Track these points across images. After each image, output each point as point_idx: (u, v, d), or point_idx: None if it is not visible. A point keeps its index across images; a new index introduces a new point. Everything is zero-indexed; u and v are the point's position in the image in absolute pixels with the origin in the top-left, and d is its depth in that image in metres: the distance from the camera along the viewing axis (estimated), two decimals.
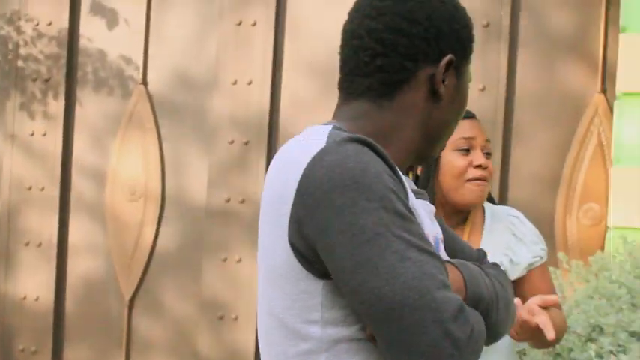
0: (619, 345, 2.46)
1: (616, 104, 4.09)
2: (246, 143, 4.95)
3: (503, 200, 4.55)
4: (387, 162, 1.34)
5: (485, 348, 2.24)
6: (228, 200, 4.96)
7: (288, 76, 4.99)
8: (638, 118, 3.99)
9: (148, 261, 5.15)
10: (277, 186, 1.36)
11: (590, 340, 2.54)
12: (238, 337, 4.95)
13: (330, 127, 1.40)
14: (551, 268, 3.21)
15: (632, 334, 2.51)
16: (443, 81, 1.45)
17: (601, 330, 2.57)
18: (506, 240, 2.35)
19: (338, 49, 4.63)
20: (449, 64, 1.44)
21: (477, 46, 4.55)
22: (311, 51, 4.95)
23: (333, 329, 1.33)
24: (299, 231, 1.33)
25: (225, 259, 4.96)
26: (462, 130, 2.34)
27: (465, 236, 2.34)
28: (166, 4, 5.13)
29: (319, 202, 1.30)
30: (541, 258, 2.36)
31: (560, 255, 3.29)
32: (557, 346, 2.55)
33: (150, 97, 5.15)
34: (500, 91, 4.56)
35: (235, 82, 4.96)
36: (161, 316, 5.13)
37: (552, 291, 2.38)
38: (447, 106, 1.49)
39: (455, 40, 1.46)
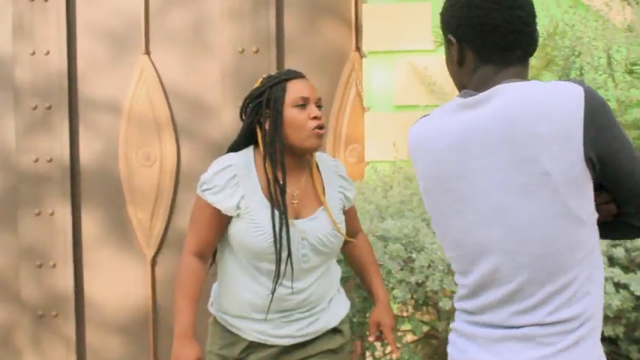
0: None
1: (364, 61, 4.77)
2: (49, 108, 5.35)
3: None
4: None
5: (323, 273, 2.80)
6: (36, 160, 5.35)
7: (83, 42, 5.37)
8: (382, 72, 4.70)
9: None
10: (547, 120, 1.75)
11: None
12: (57, 282, 5.37)
13: (525, 82, 1.90)
14: None
15: (379, 237, 3.31)
16: None
17: None
18: (336, 180, 2.83)
19: (129, 13, 5.16)
20: None
21: (249, 13, 5.19)
22: (102, 16, 5.35)
23: (594, 216, 1.88)
24: (593, 144, 1.78)
25: (39, 214, 5.35)
26: (298, 89, 2.68)
27: (316, 183, 2.73)
28: None
29: (605, 122, 1.81)
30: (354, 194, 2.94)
31: None
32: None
33: None
34: (272, 51, 5.18)
35: (34, 53, 5.33)
36: None
37: (356, 212, 2.97)
38: None
39: None
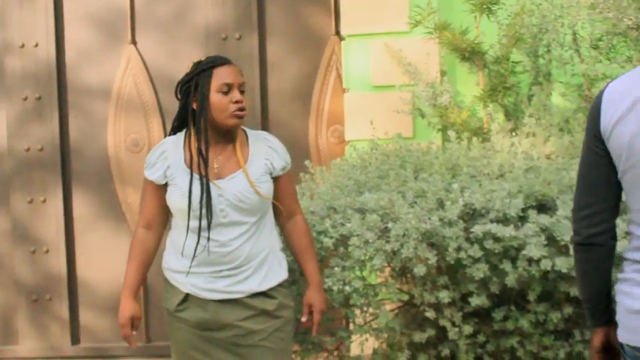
0: (347, 219, 3.43)
1: (343, 44, 4.94)
2: (39, 98, 5.49)
3: (265, 122, 5.36)
4: None
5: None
6: (28, 149, 5.49)
7: (70, 33, 5.51)
8: (360, 54, 4.87)
9: None
10: None
11: (328, 217, 3.50)
12: (51, 267, 5.52)
13: None
14: (301, 173, 4.14)
15: (357, 210, 3.49)
16: None
17: (335, 210, 3.55)
18: (266, 150, 3.11)
19: (115, 3, 5.30)
20: None
21: (231, 1, 5.33)
22: (89, 7, 5.49)
23: None
24: None
25: (31, 201, 5.50)
26: (223, 76, 3.01)
27: (238, 151, 3.05)
28: None
29: None
30: (288, 164, 3.16)
31: (307, 162, 4.19)
32: None
33: None
34: (254, 37, 5.31)
35: (23, 46, 5.48)
36: None
37: (295, 191, 3.23)
38: None
39: None
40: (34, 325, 5.58)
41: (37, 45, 5.49)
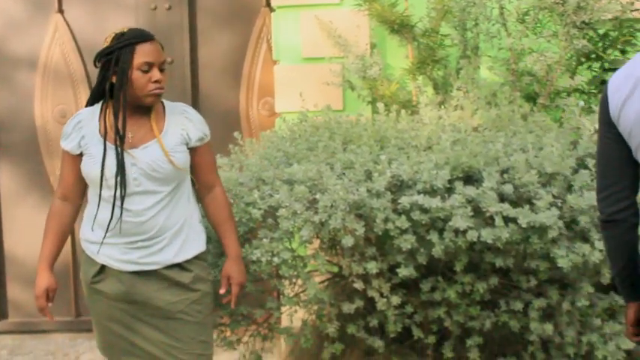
0: (275, 190, 3.43)
1: (273, 15, 4.92)
2: None
3: (195, 93, 5.32)
4: None
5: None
6: None
7: None
8: (290, 26, 4.85)
9: None
10: None
11: (256, 188, 3.50)
12: None
13: None
14: (230, 145, 4.12)
15: (285, 181, 3.49)
16: None
17: (263, 181, 3.55)
18: (182, 121, 3.12)
19: None
20: None
21: None
22: None
23: None
24: None
25: None
26: (145, 54, 2.97)
27: (153, 122, 3.05)
28: None
29: None
30: (206, 136, 3.16)
31: (236, 134, 4.17)
32: (231, 196, 3.49)
33: None
34: (184, 8, 5.28)
35: None
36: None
37: (214, 163, 3.23)
38: None
39: None
40: None
41: None
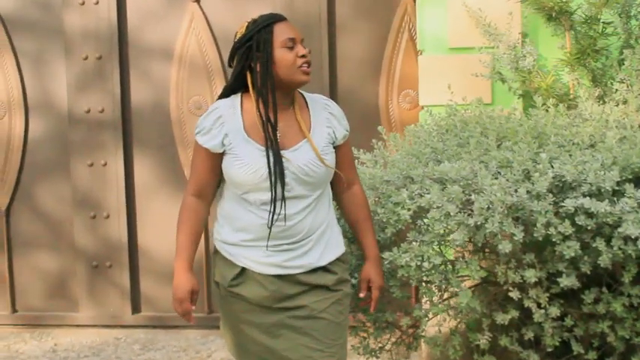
0: (425, 189, 3.19)
1: (417, 3, 4.66)
2: (99, 58, 5.32)
3: (333, 87, 5.13)
4: None
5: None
6: (88, 111, 5.34)
7: None
8: (435, 14, 4.58)
9: (19, 173, 5.54)
10: None
11: (404, 187, 3.27)
12: (111, 233, 5.39)
13: None
14: (374, 140, 3.91)
15: (436, 180, 3.25)
16: None
17: (412, 179, 3.31)
18: (326, 116, 2.95)
19: None
20: None
21: None
22: None
23: None
24: None
25: (91, 164, 5.36)
26: (286, 31, 2.83)
27: (297, 114, 2.89)
28: None
29: None
30: (348, 132, 3.00)
31: (380, 128, 3.97)
32: (377, 195, 3.27)
33: (2, 19, 5.44)
34: None
35: (83, 3, 5.31)
36: (38, 220, 5.54)
37: (353, 159, 3.07)
38: None
39: None
40: (93, 292, 5.46)
41: (97, 2, 5.31)
